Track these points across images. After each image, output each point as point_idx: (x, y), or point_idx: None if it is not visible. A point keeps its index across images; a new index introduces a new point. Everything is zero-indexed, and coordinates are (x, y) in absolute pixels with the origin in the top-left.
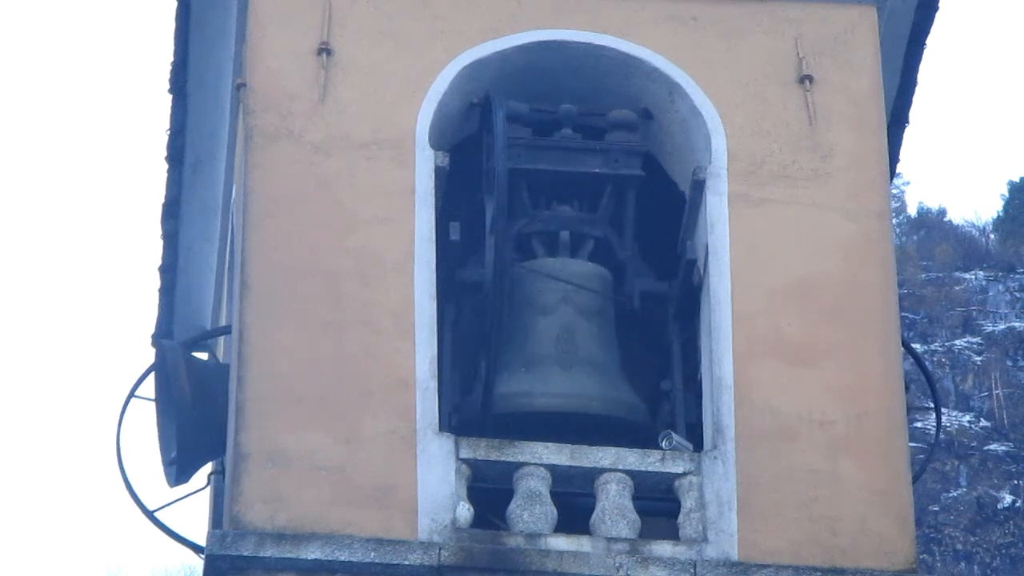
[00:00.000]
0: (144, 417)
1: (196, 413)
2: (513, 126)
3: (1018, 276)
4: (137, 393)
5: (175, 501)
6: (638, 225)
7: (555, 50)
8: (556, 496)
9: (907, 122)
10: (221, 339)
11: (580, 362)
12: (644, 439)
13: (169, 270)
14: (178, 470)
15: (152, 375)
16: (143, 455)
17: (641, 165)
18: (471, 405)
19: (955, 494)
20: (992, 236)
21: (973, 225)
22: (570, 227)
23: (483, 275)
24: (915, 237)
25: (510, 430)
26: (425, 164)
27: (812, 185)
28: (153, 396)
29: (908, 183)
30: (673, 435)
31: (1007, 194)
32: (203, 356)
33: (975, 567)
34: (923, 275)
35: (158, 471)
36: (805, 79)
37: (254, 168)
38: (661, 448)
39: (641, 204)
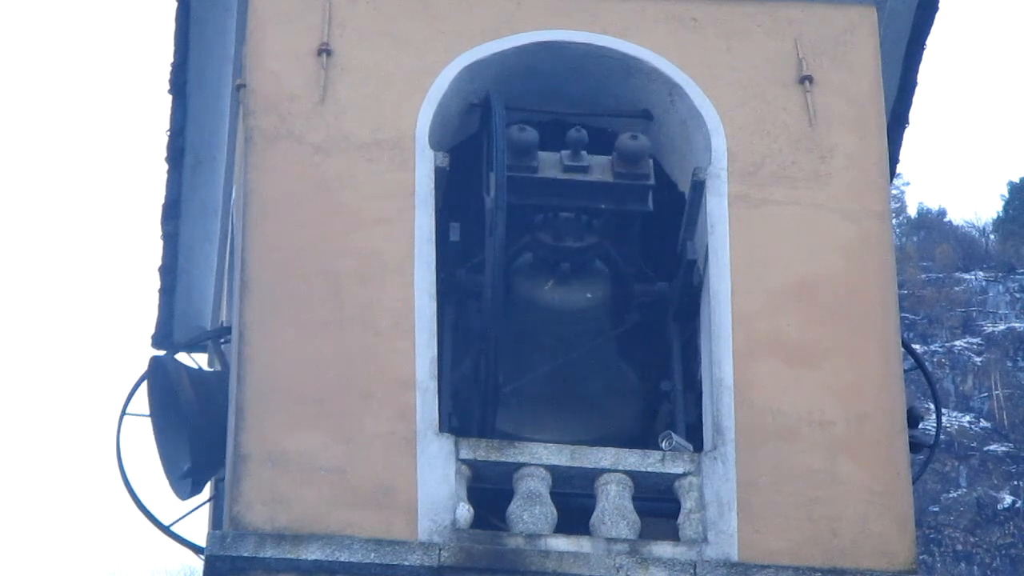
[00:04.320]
0: (144, 427)
1: (204, 422)
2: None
3: (1018, 276)
4: (129, 410)
5: (189, 513)
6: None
7: (555, 51)
8: (556, 497)
9: (907, 122)
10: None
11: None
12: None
13: (169, 270)
14: (192, 483)
15: (144, 386)
16: (143, 461)
17: (650, 200)
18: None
19: (955, 494)
20: (992, 236)
21: (973, 225)
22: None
23: (482, 280)
24: (915, 237)
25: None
26: (425, 164)
27: (812, 186)
28: (147, 412)
29: (908, 183)
30: (673, 436)
31: (1007, 194)
32: (200, 357)
33: (975, 567)
34: (923, 275)
35: (161, 479)
36: (805, 80)
37: (254, 168)
38: (661, 449)
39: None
